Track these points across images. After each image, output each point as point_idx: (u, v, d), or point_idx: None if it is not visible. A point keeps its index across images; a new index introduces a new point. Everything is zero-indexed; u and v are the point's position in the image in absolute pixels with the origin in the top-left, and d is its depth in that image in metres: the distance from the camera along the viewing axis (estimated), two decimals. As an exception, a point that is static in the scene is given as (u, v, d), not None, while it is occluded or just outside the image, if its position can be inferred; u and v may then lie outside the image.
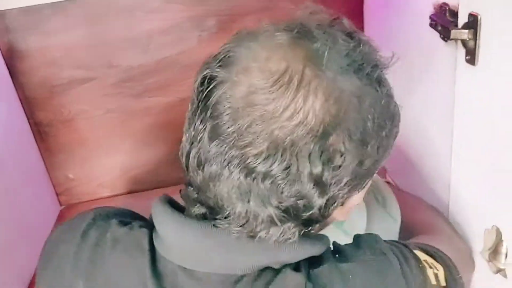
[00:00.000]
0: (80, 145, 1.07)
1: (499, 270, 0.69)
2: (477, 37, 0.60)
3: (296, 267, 0.48)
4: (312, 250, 0.49)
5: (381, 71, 0.47)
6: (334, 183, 0.44)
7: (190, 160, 0.46)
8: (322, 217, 0.47)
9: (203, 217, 0.48)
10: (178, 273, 0.48)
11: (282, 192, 0.43)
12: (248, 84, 0.43)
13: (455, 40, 0.64)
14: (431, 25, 0.69)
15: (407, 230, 0.74)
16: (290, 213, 0.44)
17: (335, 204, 0.47)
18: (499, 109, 0.60)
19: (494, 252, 0.69)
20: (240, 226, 0.45)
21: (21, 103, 1.01)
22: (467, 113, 0.68)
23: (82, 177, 1.10)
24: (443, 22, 0.66)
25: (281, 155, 0.41)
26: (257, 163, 0.42)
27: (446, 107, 0.72)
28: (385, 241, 0.53)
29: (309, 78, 0.42)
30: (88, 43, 0.98)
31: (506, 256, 0.68)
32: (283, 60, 0.43)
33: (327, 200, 0.45)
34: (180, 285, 0.48)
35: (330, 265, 0.48)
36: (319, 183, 0.43)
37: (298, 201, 0.44)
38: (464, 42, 0.63)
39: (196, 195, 0.48)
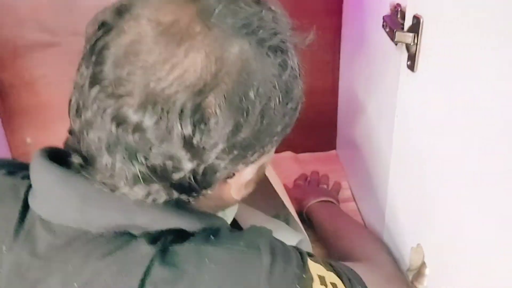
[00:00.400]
0: (40, 110, 1.05)
1: (420, 293, 0.65)
2: (418, 42, 0.56)
3: (155, 238, 0.45)
4: (177, 222, 0.46)
5: (283, 42, 0.45)
6: (208, 149, 0.42)
7: (71, 106, 0.46)
8: (200, 186, 0.45)
9: (79, 167, 0.46)
10: (36, 223, 0.47)
11: (150, 148, 0.41)
12: (135, 32, 0.42)
13: (402, 43, 0.60)
14: (383, 25, 0.65)
15: (340, 255, 0.71)
16: (157, 173, 0.43)
17: (218, 175, 0.45)
18: (434, 121, 0.56)
19: (418, 273, 0.66)
20: (104, 178, 0.44)
21: (-17, 61, 0.99)
22: (406, 123, 0.64)
23: (39, 143, 1.07)
24: (392, 24, 0.62)
25: (154, 108, 0.40)
26: (129, 113, 0.41)
27: (391, 115, 0.68)
28: (278, 241, 0.49)
29: (195, 33, 0.41)
30: (55, 7, 0.96)
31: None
32: (173, 13, 0.42)
33: (205, 168, 0.43)
34: (35, 237, 0.47)
35: (194, 244, 0.45)
36: (189, 144, 0.41)
37: (167, 161, 0.42)
38: (408, 46, 0.59)
39: (75, 144, 0.46)
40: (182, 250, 0.45)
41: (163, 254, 0.44)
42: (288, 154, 1.13)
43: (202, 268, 0.44)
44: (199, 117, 0.41)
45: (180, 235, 0.46)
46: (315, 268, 0.49)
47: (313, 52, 1.12)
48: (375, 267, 0.64)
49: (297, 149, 1.15)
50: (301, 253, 0.50)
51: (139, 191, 0.44)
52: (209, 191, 0.47)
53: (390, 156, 0.69)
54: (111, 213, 0.45)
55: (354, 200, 0.97)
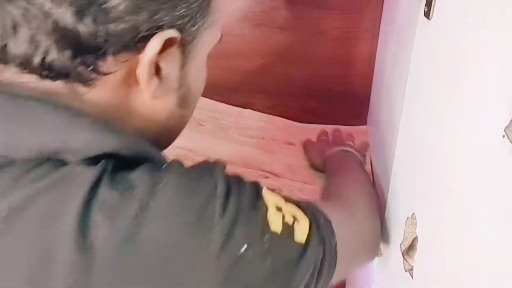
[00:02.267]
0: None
1: (410, 269, 0.60)
2: (437, -15, 0.50)
3: (93, 163, 0.40)
4: (113, 143, 0.41)
5: None
6: None
7: None
8: (93, 45, 0.39)
9: None
10: None
11: None
12: None
13: (423, -10, 0.54)
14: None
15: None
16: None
17: (113, 28, 0.39)
18: (444, 74, 0.50)
19: (411, 247, 0.60)
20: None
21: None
22: (419, 74, 0.58)
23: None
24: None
25: None
26: None
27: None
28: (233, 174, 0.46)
29: None
30: None
31: (419, 254, 0.58)
32: None
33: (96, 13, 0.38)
34: None
35: (146, 170, 0.42)
36: None
37: None
38: (428, -8, 0.53)
39: None
40: (133, 176, 0.41)
41: (110, 176, 0.40)
42: (318, 126, 1.09)
43: (155, 192, 0.40)
44: None
45: (121, 164, 0.42)
46: (271, 198, 0.46)
47: (353, 15, 1.06)
48: (352, 219, 0.59)
49: (326, 121, 1.09)
50: (256, 185, 0.47)
51: (23, 42, 0.38)
52: (111, 68, 0.41)
53: (401, 109, 0.63)
54: (39, 132, 0.40)
55: (372, 175, 0.91)
